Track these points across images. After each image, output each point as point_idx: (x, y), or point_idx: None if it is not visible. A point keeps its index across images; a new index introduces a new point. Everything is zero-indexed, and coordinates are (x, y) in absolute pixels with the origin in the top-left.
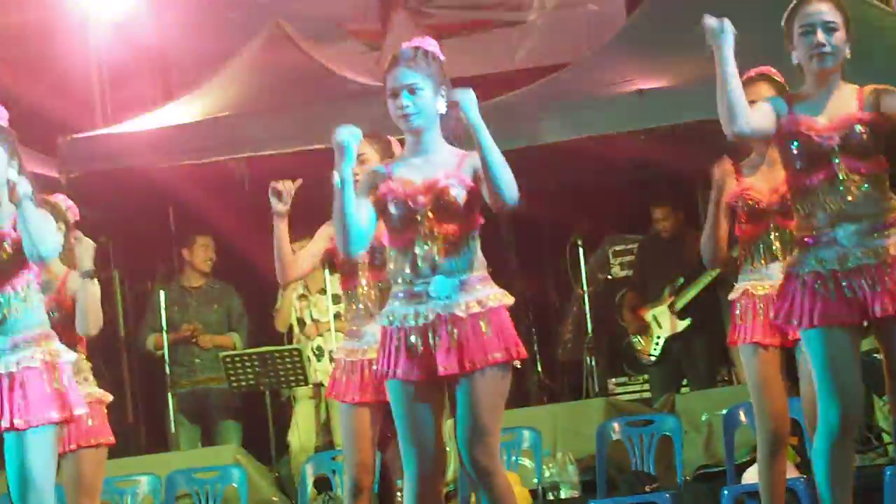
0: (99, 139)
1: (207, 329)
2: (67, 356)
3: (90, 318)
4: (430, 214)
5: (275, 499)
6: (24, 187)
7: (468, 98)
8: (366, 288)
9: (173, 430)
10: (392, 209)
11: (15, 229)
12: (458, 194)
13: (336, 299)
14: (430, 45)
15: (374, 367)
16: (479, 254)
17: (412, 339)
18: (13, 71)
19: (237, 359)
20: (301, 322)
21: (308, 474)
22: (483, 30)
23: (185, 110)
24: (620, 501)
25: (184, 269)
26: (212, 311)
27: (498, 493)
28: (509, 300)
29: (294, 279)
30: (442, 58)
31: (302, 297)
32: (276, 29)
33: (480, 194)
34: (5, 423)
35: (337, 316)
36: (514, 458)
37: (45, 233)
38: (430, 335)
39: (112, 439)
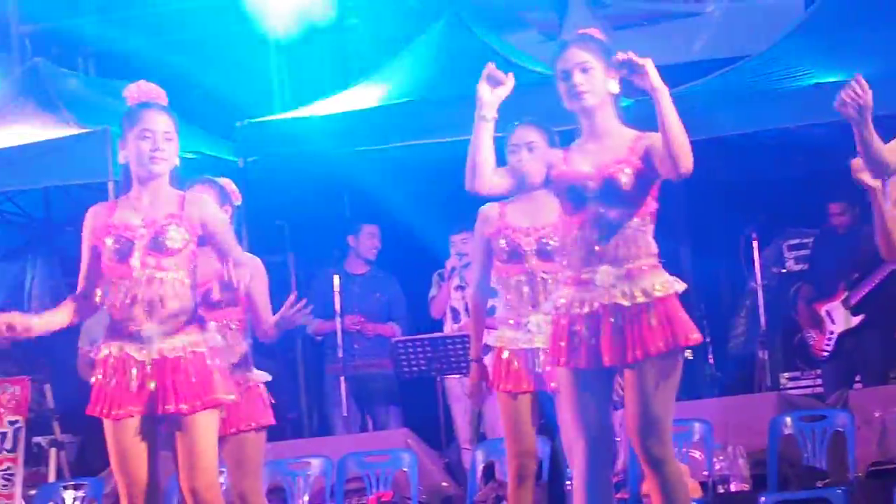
0: (277, 123)
1: (369, 317)
2: (221, 340)
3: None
4: (598, 201)
5: (444, 484)
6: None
7: (648, 63)
8: (530, 276)
9: (345, 413)
10: (564, 194)
11: (180, 211)
12: (628, 180)
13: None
14: (597, 33)
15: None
16: (650, 241)
17: (577, 327)
18: (193, 56)
19: (409, 344)
20: (455, 312)
21: (478, 461)
22: (660, 21)
23: (363, 96)
24: (792, 496)
25: (349, 256)
26: (374, 300)
27: (670, 482)
28: (679, 287)
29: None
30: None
31: (459, 287)
32: (454, 16)
33: (653, 180)
34: (171, 408)
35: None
36: (684, 449)
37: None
38: (595, 324)
39: (271, 420)
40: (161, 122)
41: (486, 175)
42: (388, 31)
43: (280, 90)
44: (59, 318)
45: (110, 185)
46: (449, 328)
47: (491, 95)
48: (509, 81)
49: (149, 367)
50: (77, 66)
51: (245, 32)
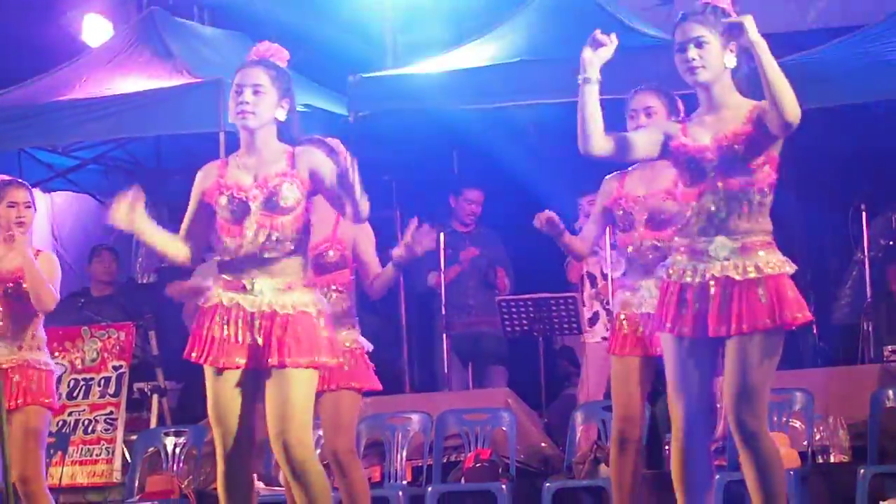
0: (389, 80)
1: (478, 271)
2: (327, 304)
3: (384, 291)
4: (716, 172)
5: (543, 444)
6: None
7: (747, 19)
8: (641, 245)
9: (446, 370)
10: (683, 166)
11: (292, 169)
12: (745, 150)
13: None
14: (722, 1)
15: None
16: (766, 218)
17: (686, 295)
18: (308, 10)
19: (512, 303)
20: (591, 277)
21: (576, 422)
22: None
23: (475, 54)
24: (891, 469)
25: (451, 215)
26: (482, 255)
27: (763, 456)
28: (790, 268)
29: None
30: (733, 14)
31: (591, 252)
32: None
33: (769, 147)
34: (273, 361)
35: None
36: (785, 419)
37: (364, 198)
38: (704, 294)
39: (377, 385)
40: (250, 76)
41: (596, 137)
42: None
43: (393, 46)
44: (171, 248)
45: (221, 136)
46: (588, 293)
47: (592, 55)
48: (612, 43)
49: (257, 321)
50: (192, 16)
51: None
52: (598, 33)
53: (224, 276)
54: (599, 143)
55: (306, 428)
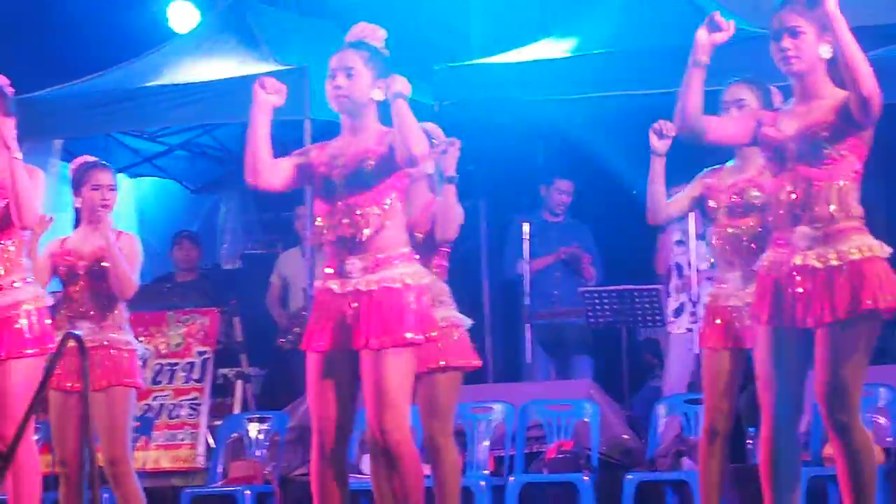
0: (474, 69)
1: (559, 265)
2: (426, 277)
3: (450, 223)
4: (798, 161)
5: (625, 436)
6: (401, 86)
7: None
8: (723, 234)
9: (529, 360)
10: (770, 155)
11: (378, 146)
12: (828, 139)
13: None
14: None
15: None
16: (852, 203)
17: (779, 286)
18: None
19: (596, 294)
20: (679, 267)
21: (660, 415)
22: None
23: (560, 45)
24: None
25: (542, 204)
26: (571, 246)
27: (855, 449)
28: (883, 251)
29: (664, 221)
30: (829, 5)
31: (679, 242)
32: None
33: (853, 135)
34: (361, 343)
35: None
36: (869, 414)
37: (416, 134)
38: (791, 285)
39: (476, 362)
40: (343, 60)
41: (691, 116)
42: None
43: (479, 35)
44: (264, 152)
45: (306, 123)
46: (674, 284)
47: (706, 39)
48: (729, 29)
49: (347, 303)
50: (279, 3)
51: None
52: (716, 15)
53: (321, 260)
54: (695, 121)
55: (400, 410)
